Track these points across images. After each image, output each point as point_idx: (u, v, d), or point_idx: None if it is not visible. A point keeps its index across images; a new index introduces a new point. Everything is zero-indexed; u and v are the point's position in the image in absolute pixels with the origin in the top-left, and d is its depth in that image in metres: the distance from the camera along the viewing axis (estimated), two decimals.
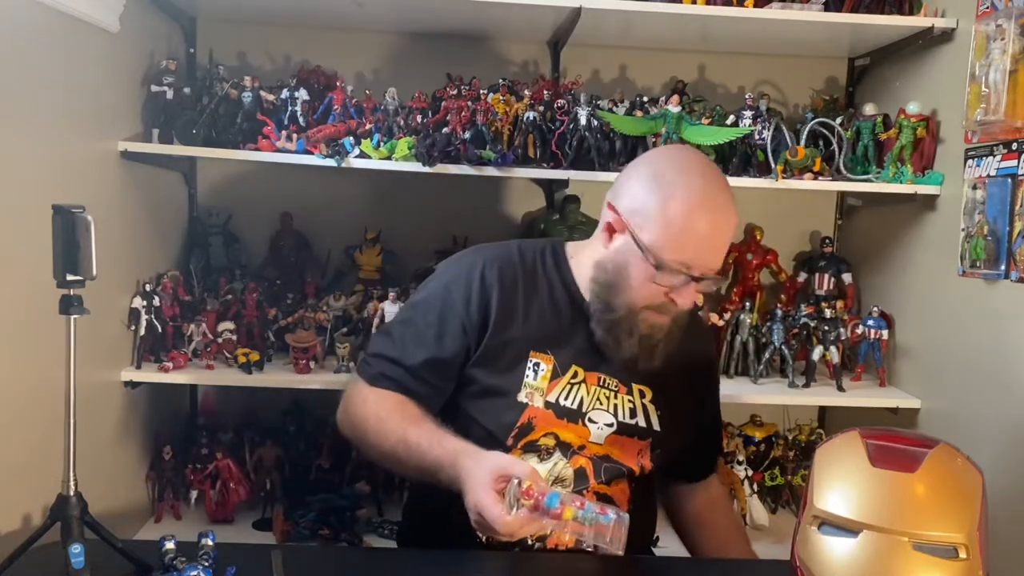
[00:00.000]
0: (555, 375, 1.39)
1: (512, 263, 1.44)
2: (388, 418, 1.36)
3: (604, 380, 1.42)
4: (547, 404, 1.38)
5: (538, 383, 1.38)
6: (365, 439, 1.39)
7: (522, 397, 1.38)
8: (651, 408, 1.43)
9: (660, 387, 1.44)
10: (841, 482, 1.03)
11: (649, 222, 1.31)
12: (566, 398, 1.39)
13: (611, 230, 1.37)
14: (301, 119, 1.98)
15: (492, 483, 1.17)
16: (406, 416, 1.35)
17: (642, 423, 1.42)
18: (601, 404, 1.41)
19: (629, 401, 1.42)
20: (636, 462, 1.42)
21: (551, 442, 1.38)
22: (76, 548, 1.09)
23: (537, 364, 1.39)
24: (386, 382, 1.40)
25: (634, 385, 1.43)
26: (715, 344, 1.75)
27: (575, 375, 1.40)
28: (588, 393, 1.40)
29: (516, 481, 1.15)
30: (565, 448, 1.39)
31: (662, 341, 1.37)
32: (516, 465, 1.19)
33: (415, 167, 1.93)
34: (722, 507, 1.65)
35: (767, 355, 2.13)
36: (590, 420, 1.40)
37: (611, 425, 1.40)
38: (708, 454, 1.64)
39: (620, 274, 1.35)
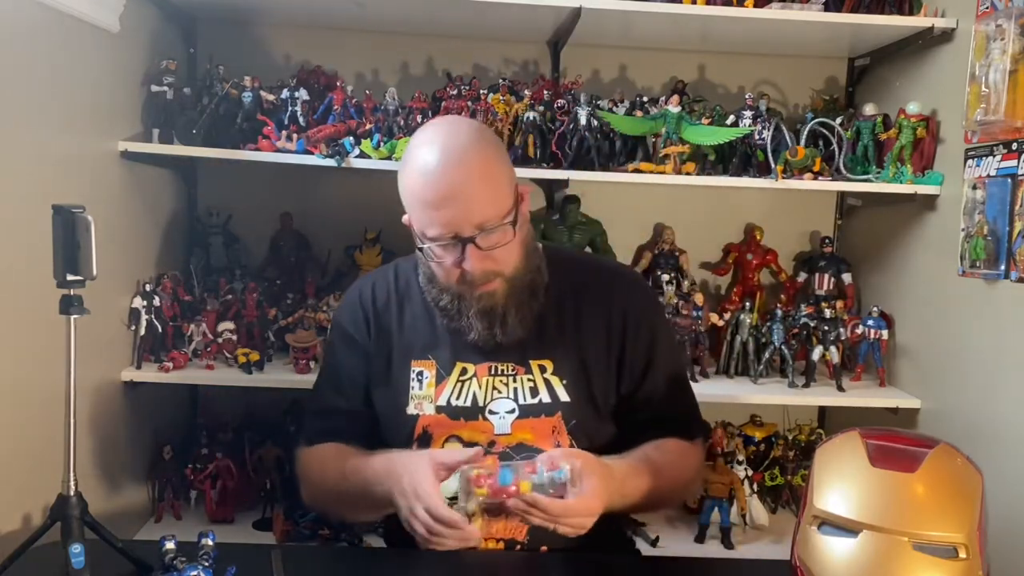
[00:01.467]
0: (440, 378, 1.37)
1: (386, 280, 1.45)
2: (327, 465, 1.38)
3: (496, 368, 1.37)
4: (438, 409, 1.36)
5: (424, 391, 1.37)
6: (320, 497, 1.42)
7: (411, 409, 1.36)
8: (554, 380, 1.37)
9: (562, 355, 1.37)
10: (841, 482, 1.03)
11: (406, 208, 1.31)
12: (457, 398, 1.36)
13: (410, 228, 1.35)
14: (301, 119, 1.98)
15: (434, 475, 1.17)
16: (340, 455, 1.37)
17: (546, 399, 1.36)
18: (500, 392, 1.36)
19: (529, 380, 1.36)
20: (552, 441, 1.35)
21: (456, 446, 1.34)
22: (76, 548, 1.09)
23: (420, 372, 1.38)
24: (322, 437, 1.42)
25: (532, 362, 1.37)
26: (647, 295, 1.53)
27: (463, 372, 1.37)
28: (481, 387, 1.36)
29: (465, 468, 1.12)
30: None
31: (510, 308, 1.31)
32: (453, 454, 1.19)
33: None
34: (665, 446, 1.38)
35: (767, 355, 2.13)
36: (490, 412, 1.35)
37: (512, 411, 1.35)
38: (660, 417, 1.41)
39: (424, 264, 1.35)
